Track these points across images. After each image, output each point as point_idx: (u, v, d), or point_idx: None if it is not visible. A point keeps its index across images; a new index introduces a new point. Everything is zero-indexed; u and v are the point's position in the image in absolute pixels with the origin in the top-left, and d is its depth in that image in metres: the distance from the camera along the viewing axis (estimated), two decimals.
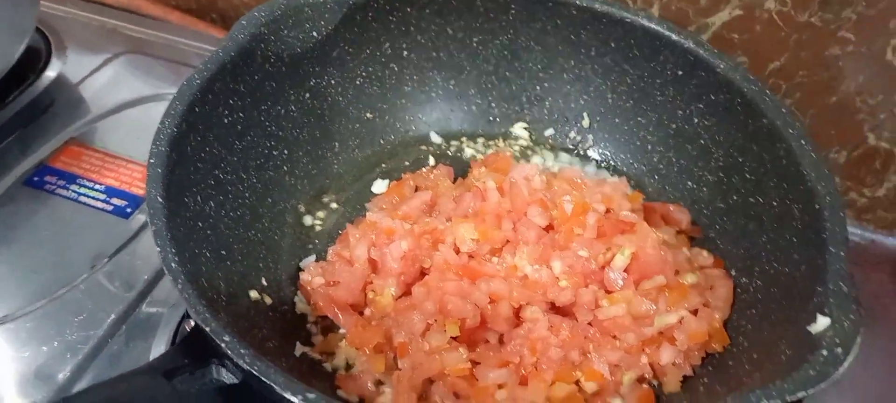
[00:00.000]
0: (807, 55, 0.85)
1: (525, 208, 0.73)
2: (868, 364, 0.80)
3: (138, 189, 0.83)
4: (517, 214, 0.73)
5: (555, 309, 0.67)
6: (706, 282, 0.70)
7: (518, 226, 0.72)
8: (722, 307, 0.68)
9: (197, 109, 0.65)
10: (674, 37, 0.76)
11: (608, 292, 0.67)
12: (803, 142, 0.66)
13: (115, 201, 0.82)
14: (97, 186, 0.84)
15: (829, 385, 0.51)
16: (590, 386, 0.63)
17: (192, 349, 0.51)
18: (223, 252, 0.66)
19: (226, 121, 0.69)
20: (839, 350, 0.52)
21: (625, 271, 0.68)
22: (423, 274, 0.71)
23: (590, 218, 0.70)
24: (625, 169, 0.84)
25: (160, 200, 0.56)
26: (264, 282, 0.69)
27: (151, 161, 0.58)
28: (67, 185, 0.84)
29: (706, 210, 0.77)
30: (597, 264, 0.68)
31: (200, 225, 0.63)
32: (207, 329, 0.49)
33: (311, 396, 0.47)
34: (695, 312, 0.67)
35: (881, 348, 0.82)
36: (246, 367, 0.47)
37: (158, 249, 0.53)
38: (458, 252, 0.70)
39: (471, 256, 0.70)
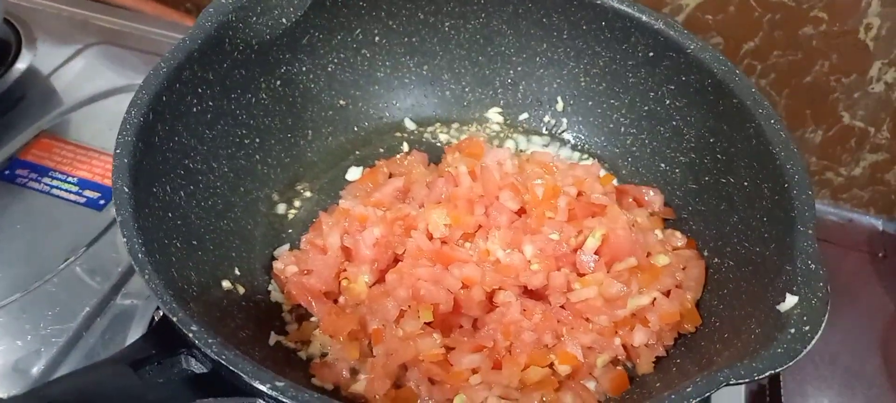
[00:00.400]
0: (780, 35, 0.86)
1: (497, 192, 0.73)
2: (846, 340, 0.82)
3: (111, 180, 0.82)
4: (489, 199, 0.73)
5: (528, 292, 0.67)
6: (679, 263, 0.70)
7: (490, 211, 0.72)
8: (694, 287, 0.69)
9: (164, 98, 0.64)
10: (643, 18, 0.76)
11: (580, 275, 0.68)
12: (773, 121, 0.66)
13: (88, 193, 0.81)
14: (70, 179, 0.83)
15: (796, 363, 0.51)
16: (563, 369, 0.64)
17: (161, 339, 0.50)
18: (194, 242, 0.65)
19: (195, 110, 0.69)
20: (807, 328, 0.52)
21: (596, 253, 0.68)
22: (396, 260, 0.70)
23: (561, 201, 0.71)
24: (599, 152, 0.84)
25: (127, 190, 0.55)
26: (237, 272, 0.69)
27: (117, 151, 0.57)
28: (39, 178, 0.83)
29: (678, 191, 0.77)
30: (568, 247, 0.68)
31: (170, 215, 0.63)
32: (174, 318, 0.48)
33: (279, 384, 0.47)
34: (667, 293, 0.68)
35: (859, 325, 0.84)
36: (214, 356, 0.47)
37: (125, 239, 0.52)
38: (430, 238, 0.70)
39: (444, 242, 0.70)
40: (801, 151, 0.64)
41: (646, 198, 0.77)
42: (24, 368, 0.66)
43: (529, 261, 0.67)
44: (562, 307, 0.66)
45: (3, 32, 0.98)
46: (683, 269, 0.70)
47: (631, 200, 0.77)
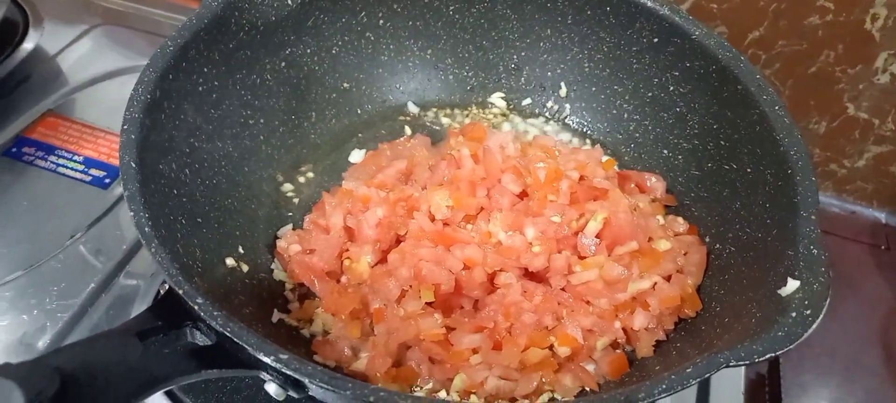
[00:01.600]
0: (786, 24, 0.85)
1: (499, 175, 0.73)
2: (847, 331, 0.82)
3: (116, 159, 0.83)
4: (491, 181, 0.73)
5: (528, 274, 0.68)
6: (680, 248, 0.71)
7: (492, 193, 0.72)
8: (695, 273, 0.69)
9: (170, 77, 0.64)
10: (649, 4, 0.76)
11: (581, 258, 0.68)
12: (777, 108, 0.66)
13: (94, 172, 0.82)
14: (75, 157, 0.84)
15: (796, 346, 0.51)
16: (563, 351, 0.64)
17: (167, 311, 0.50)
18: (199, 219, 0.65)
19: (200, 89, 0.69)
20: (808, 312, 0.52)
21: (598, 237, 0.68)
22: (398, 241, 0.71)
23: (563, 184, 0.71)
24: (601, 138, 0.85)
25: (134, 166, 0.56)
26: (241, 250, 0.69)
27: (125, 127, 0.58)
28: (46, 156, 0.84)
29: (681, 177, 0.77)
30: (570, 230, 0.68)
31: (176, 192, 0.63)
32: (180, 291, 0.49)
33: (283, 357, 0.47)
34: (668, 278, 0.68)
35: (860, 316, 0.84)
36: (219, 329, 0.48)
37: (132, 213, 0.53)
38: (433, 219, 0.71)
39: (445, 223, 0.70)
40: (804, 138, 0.64)
41: (648, 184, 0.77)
42: (30, 341, 0.67)
43: (531, 243, 0.68)
44: (562, 289, 0.67)
45: (11, 13, 0.98)
46: (685, 255, 0.70)
47: (633, 186, 0.77)
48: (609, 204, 0.69)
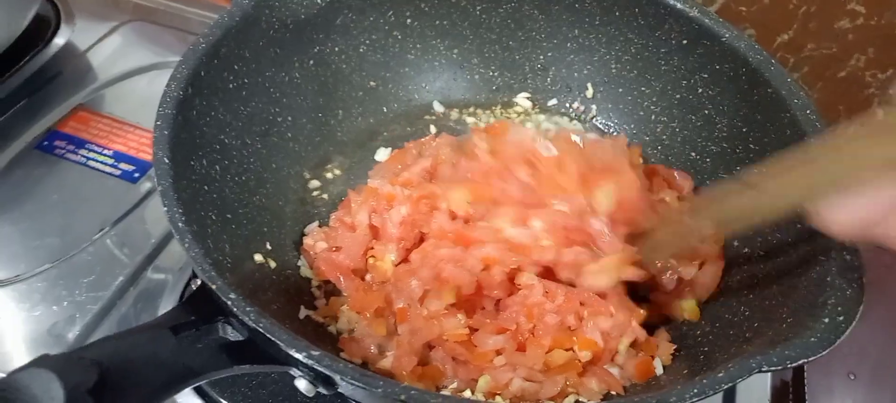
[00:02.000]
0: (815, 27, 0.85)
1: (514, 166, 0.71)
2: (875, 334, 0.81)
3: (146, 154, 0.84)
4: (506, 173, 0.71)
5: (550, 274, 0.67)
6: (696, 256, 0.70)
7: (506, 186, 0.71)
8: (707, 285, 0.69)
9: (202, 74, 0.65)
10: (679, 5, 0.76)
11: (597, 247, 0.66)
12: (808, 112, 0.66)
13: (123, 166, 0.83)
14: (105, 151, 0.85)
15: (829, 352, 0.51)
16: (584, 355, 0.64)
17: (199, 306, 0.51)
18: (228, 215, 0.66)
19: (231, 86, 0.69)
20: (841, 318, 0.52)
21: (611, 222, 0.66)
22: (422, 239, 0.71)
23: (570, 166, 0.69)
24: (628, 139, 0.84)
25: (167, 161, 0.56)
26: (269, 246, 0.70)
27: (158, 123, 0.58)
28: (76, 150, 0.85)
29: (709, 180, 0.77)
30: (579, 218, 0.66)
31: (206, 188, 0.63)
32: (213, 286, 0.49)
33: (314, 353, 0.47)
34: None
35: (888, 319, 0.83)
36: (251, 324, 0.48)
37: (165, 209, 0.53)
38: (454, 217, 0.70)
39: (467, 220, 0.70)
40: None
41: (676, 180, 0.77)
42: (60, 333, 0.68)
43: (538, 236, 0.66)
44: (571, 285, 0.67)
45: (43, 9, 1.00)
46: (700, 266, 0.70)
47: (661, 180, 0.77)
48: (622, 181, 0.67)
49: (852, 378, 0.78)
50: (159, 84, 0.62)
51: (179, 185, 0.57)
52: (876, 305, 0.83)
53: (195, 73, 0.64)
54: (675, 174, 0.77)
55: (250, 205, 0.70)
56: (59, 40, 0.99)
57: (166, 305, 0.70)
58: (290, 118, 0.78)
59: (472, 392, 0.62)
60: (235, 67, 0.70)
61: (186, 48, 0.65)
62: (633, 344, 0.65)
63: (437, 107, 0.88)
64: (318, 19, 0.77)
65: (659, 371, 0.64)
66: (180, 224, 0.53)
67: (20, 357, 0.67)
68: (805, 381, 0.77)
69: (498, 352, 0.64)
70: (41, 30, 0.99)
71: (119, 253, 0.74)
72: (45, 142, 0.86)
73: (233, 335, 0.51)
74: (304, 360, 0.47)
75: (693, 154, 0.79)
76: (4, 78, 0.92)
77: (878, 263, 0.87)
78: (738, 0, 0.86)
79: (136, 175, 0.82)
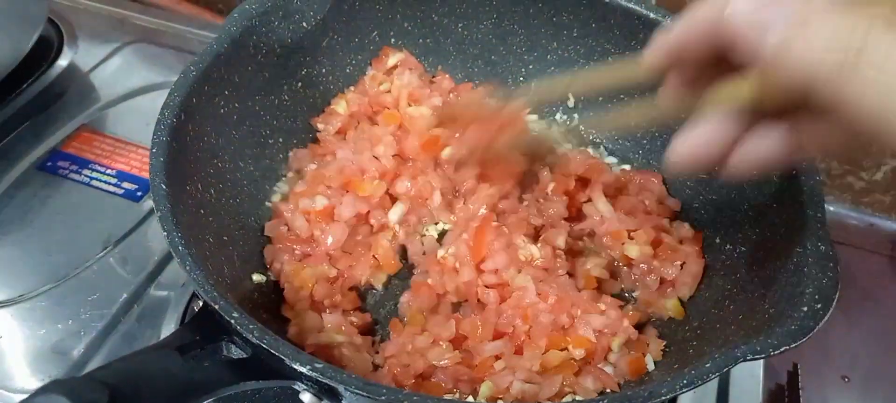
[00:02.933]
0: None
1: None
2: (867, 343, 0.82)
3: (147, 173, 0.84)
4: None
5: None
6: (676, 256, 0.73)
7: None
8: (690, 284, 0.72)
9: (194, 100, 0.66)
10: (651, 15, 0.78)
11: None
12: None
13: (126, 185, 0.85)
14: (108, 171, 0.86)
15: (808, 339, 0.53)
16: (578, 353, 0.66)
17: (203, 326, 0.53)
18: (225, 238, 0.68)
19: (222, 111, 0.71)
20: (819, 306, 0.54)
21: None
22: None
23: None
24: (610, 145, 0.87)
25: (164, 187, 0.58)
26: (266, 266, 0.71)
27: (153, 150, 0.60)
28: (80, 170, 0.86)
29: (689, 181, 0.79)
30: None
31: (202, 212, 0.65)
32: (216, 306, 0.51)
33: (318, 365, 0.49)
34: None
35: (879, 326, 0.84)
36: (255, 341, 0.49)
37: (165, 234, 0.55)
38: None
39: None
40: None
41: (653, 183, 0.80)
42: (65, 351, 0.69)
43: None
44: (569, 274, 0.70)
45: (46, 30, 1.01)
46: (682, 266, 0.72)
47: (638, 183, 0.80)
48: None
49: (846, 380, 0.80)
50: (160, 104, 0.63)
51: (177, 210, 0.59)
52: (867, 312, 0.85)
53: (187, 100, 0.65)
54: (651, 177, 0.81)
55: (246, 228, 0.72)
56: (62, 62, 1.00)
57: (170, 321, 0.71)
58: (281, 140, 0.80)
59: (475, 398, 0.64)
60: (226, 93, 0.71)
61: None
62: (626, 343, 0.68)
63: None
64: (305, 42, 0.79)
65: (650, 367, 0.66)
66: (180, 248, 0.54)
67: (24, 376, 0.68)
68: (799, 384, 0.78)
69: (497, 357, 0.65)
70: (44, 51, 1.01)
71: (122, 271, 0.76)
72: (49, 163, 0.87)
73: (237, 352, 0.53)
74: (309, 373, 0.49)
75: None
76: (8, 99, 0.93)
77: (866, 270, 0.89)
78: None
79: (139, 194, 0.83)
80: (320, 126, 0.82)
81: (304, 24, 0.78)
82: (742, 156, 0.47)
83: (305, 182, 0.76)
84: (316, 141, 0.82)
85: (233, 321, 0.50)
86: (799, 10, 0.40)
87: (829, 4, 0.39)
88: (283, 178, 0.80)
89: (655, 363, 0.67)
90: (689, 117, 0.49)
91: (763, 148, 0.46)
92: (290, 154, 0.80)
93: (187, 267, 0.53)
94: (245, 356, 0.53)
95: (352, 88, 0.85)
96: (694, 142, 0.48)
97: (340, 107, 0.83)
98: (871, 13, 0.38)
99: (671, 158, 0.50)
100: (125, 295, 0.73)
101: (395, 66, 0.86)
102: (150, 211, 0.81)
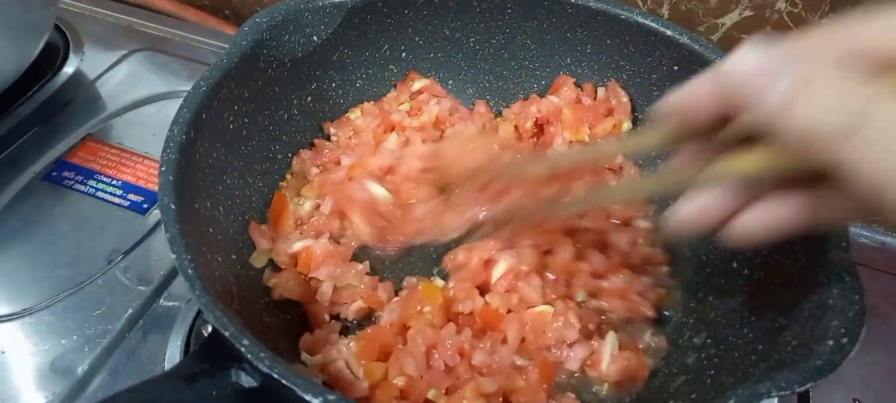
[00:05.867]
0: None
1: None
2: (878, 363, 0.81)
3: (154, 185, 0.84)
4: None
5: None
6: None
7: None
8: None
9: (204, 116, 0.65)
10: (668, 32, 0.77)
11: None
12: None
13: (132, 197, 0.83)
14: (114, 182, 0.85)
15: (834, 374, 0.52)
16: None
17: (212, 353, 0.51)
18: (234, 256, 0.66)
19: (231, 126, 0.70)
20: (845, 340, 0.52)
21: None
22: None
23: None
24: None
25: (173, 207, 0.56)
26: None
27: (162, 168, 0.58)
28: (85, 181, 0.85)
29: None
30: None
31: (211, 230, 0.64)
32: (226, 333, 0.49)
33: (331, 398, 0.47)
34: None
35: (891, 346, 0.83)
36: (266, 370, 0.48)
37: (174, 255, 0.53)
38: None
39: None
40: None
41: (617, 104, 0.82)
42: (69, 367, 0.67)
43: None
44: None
45: (53, 37, 1.00)
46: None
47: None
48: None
49: None
50: (167, 113, 0.62)
51: (186, 230, 0.57)
52: (878, 332, 0.84)
53: (197, 116, 0.64)
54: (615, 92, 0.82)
55: (254, 246, 0.71)
56: (68, 69, 0.99)
57: (176, 337, 0.70)
58: (290, 155, 0.78)
59: None
60: (235, 108, 0.70)
61: (194, 78, 0.65)
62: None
63: None
64: (315, 56, 0.78)
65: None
66: (189, 270, 0.53)
67: (29, 391, 0.66)
68: None
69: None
70: (50, 58, 0.99)
71: (128, 285, 0.74)
72: (54, 173, 0.85)
73: (246, 380, 0.51)
74: None
75: None
76: (13, 107, 0.91)
77: (878, 289, 0.88)
78: (740, 29, 0.87)
79: (145, 206, 0.82)
80: (332, 130, 0.81)
81: (315, 37, 0.77)
82: (748, 222, 0.47)
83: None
84: None
85: (243, 348, 0.49)
86: (804, 69, 0.39)
87: (836, 66, 0.39)
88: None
89: (674, 392, 0.66)
90: (694, 186, 0.49)
91: (772, 215, 0.46)
92: (294, 159, 0.79)
93: (197, 292, 0.52)
94: (255, 384, 0.51)
95: (372, 102, 0.85)
96: (695, 209, 0.49)
97: (355, 115, 0.82)
98: (879, 81, 0.38)
99: (672, 223, 0.50)
100: (130, 310, 0.72)
101: (420, 91, 0.85)
102: (156, 224, 0.79)
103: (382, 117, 0.82)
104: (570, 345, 0.67)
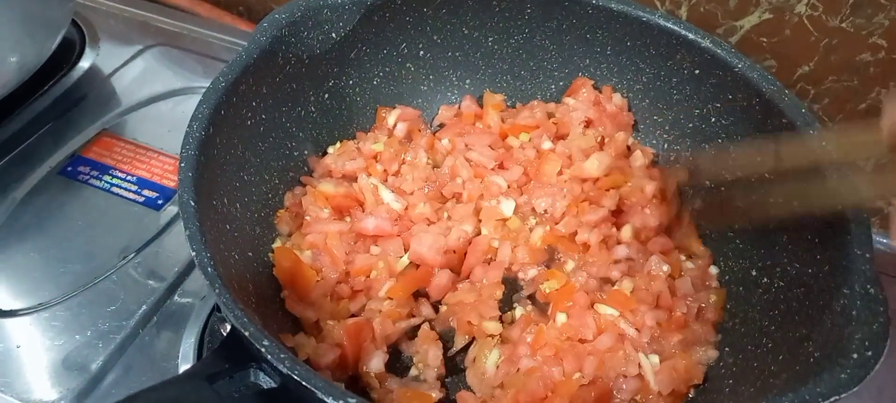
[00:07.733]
0: (837, 60, 0.85)
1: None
2: (892, 371, 0.80)
3: (169, 181, 0.84)
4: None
5: None
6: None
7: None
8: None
9: (222, 112, 0.64)
10: (690, 36, 0.76)
11: None
12: (824, 142, 0.66)
13: (147, 192, 0.83)
14: (129, 177, 0.84)
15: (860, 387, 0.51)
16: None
17: (231, 353, 0.51)
18: (250, 253, 0.66)
19: (249, 123, 0.69)
20: (870, 353, 0.52)
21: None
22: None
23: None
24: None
25: (193, 204, 0.56)
26: None
27: (182, 165, 0.58)
28: (100, 176, 0.84)
29: (723, 208, 0.77)
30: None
31: (228, 227, 0.63)
32: (246, 333, 0.49)
33: (351, 400, 0.47)
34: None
35: None
36: (285, 371, 0.48)
37: (193, 253, 0.53)
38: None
39: None
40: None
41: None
42: (83, 363, 0.67)
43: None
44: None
45: (69, 32, 0.99)
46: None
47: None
48: None
49: None
50: (182, 109, 0.61)
51: (205, 227, 0.57)
52: (892, 340, 0.83)
53: (216, 112, 0.64)
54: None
55: (271, 242, 0.70)
56: (83, 64, 0.99)
57: (190, 334, 0.69)
58: (306, 152, 0.78)
59: None
60: (253, 104, 0.70)
61: (209, 73, 0.65)
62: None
63: None
64: (333, 54, 0.77)
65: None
66: (209, 269, 0.53)
67: (44, 388, 0.65)
68: None
69: None
70: (66, 53, 0.99)
71: (142, 281, 0.73)
72: (69, 168, 0.85)
73: (265, 381, 0.51)
74: None
75: (708, 182, 0.79)
76: (30, 101, 0.91)
77: (893, 298, 0.87)
78: (759, 31, 0.86)
79: (160, 201, 0.81)
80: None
81: (333, 34, 0.76)
82: None
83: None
84: None
85: (263, 349, 0.49)
86: None
87: None
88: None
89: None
90: None
91: None
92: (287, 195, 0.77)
93: (217, 290, 0.51)
94: (274, 385, 0.51)
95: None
96: None
97: (392, 118, 0.83)
98: None
99: None
100: (145, 306, 0.71)
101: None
102: (171, 220, 0.79)
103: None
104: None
